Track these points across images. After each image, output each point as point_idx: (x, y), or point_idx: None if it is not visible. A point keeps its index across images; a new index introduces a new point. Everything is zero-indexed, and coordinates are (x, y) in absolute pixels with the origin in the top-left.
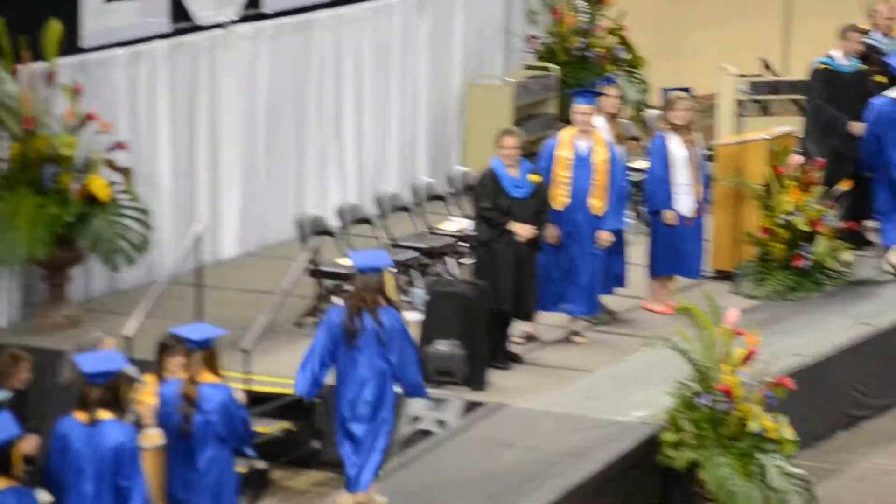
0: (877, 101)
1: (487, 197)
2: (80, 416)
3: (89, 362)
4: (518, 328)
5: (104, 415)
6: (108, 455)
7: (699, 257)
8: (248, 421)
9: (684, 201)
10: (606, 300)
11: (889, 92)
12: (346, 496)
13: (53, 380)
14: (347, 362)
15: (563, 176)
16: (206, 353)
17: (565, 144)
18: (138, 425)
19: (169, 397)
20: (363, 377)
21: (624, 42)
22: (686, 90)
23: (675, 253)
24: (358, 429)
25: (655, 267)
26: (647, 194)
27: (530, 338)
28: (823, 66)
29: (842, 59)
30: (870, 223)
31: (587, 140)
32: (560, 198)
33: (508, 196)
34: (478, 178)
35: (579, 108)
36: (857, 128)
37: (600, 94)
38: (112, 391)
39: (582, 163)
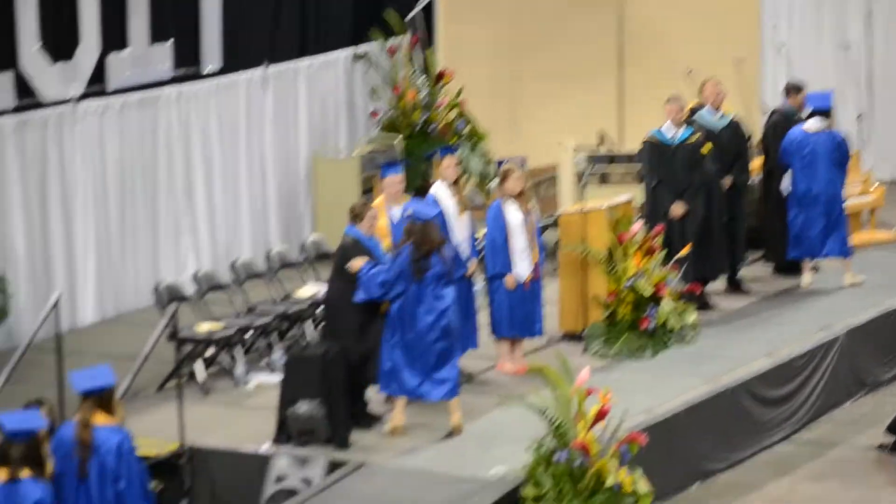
0: (792, 131)
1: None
2: (0, 474)
3: (11, 420)
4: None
5: (24, 473)
6: None
7: (539, 318)
8: (145, 470)
9: (522, 266)
10: (462, 361)
11: (806, 124)
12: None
13: None
14: (417, 295)
15: (385, 246)
16: (99, 398)
17: (379, 214)
18: None
19: (65, 440)
20: (435, 305)
21: (463, 116)
22: (519, 160)
23: (515, 315)
24: (437, 347)
25: (497, 329)
26: (486, 259)
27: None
28: (650, 138)
29: (669, 130)
30: (711, 286)
31: (398, 206)
32: None
33: (380, 262)
34: (345, 248)
35: (389, 179)
36: (678, 209)
37: (400, 164)
38: (33, 449)
39: (399, 228)
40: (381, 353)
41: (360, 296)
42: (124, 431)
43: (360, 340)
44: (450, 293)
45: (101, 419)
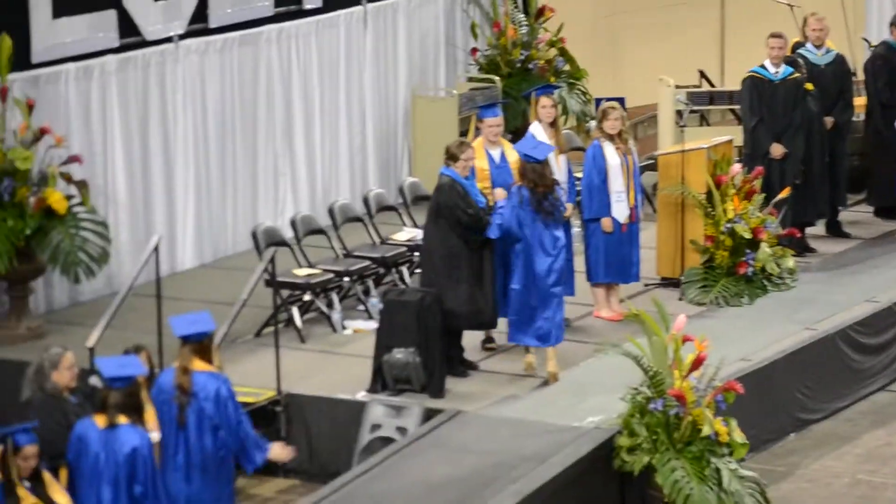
0: None
1: (461, 204)
2: (99, 420)
3: (109, 366)
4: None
5: (122, 419)
6: (124, 460)
7: (636, 262)
8: (243, 415)
9: (619, 208)
10: None
11: None
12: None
13: (16, 393)
14: (534, 238)
15: (484, 187)
16: (198, 344)
17: (478, 156)
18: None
19: (165, 387)
20: (553, 248)
21: (564, 54)
22: (618, 100)
23: (612, 259)
24: (555, 291)
25: (593, 274)
26: (583, 202)
27: (488, 341)
28: (752, 74)
29: (771, 67)
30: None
31: (497, 148)
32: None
33: (476, 203)
34: (443, 189)
35: (489, 121)
36: (777, 150)
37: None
38: (131, 396)
39: (499, 169)
40: (508, 301)
41: (491, 231)
42: (223, 377)
43: (456, 286)
44: (563, 235)
45: (199, 365)
